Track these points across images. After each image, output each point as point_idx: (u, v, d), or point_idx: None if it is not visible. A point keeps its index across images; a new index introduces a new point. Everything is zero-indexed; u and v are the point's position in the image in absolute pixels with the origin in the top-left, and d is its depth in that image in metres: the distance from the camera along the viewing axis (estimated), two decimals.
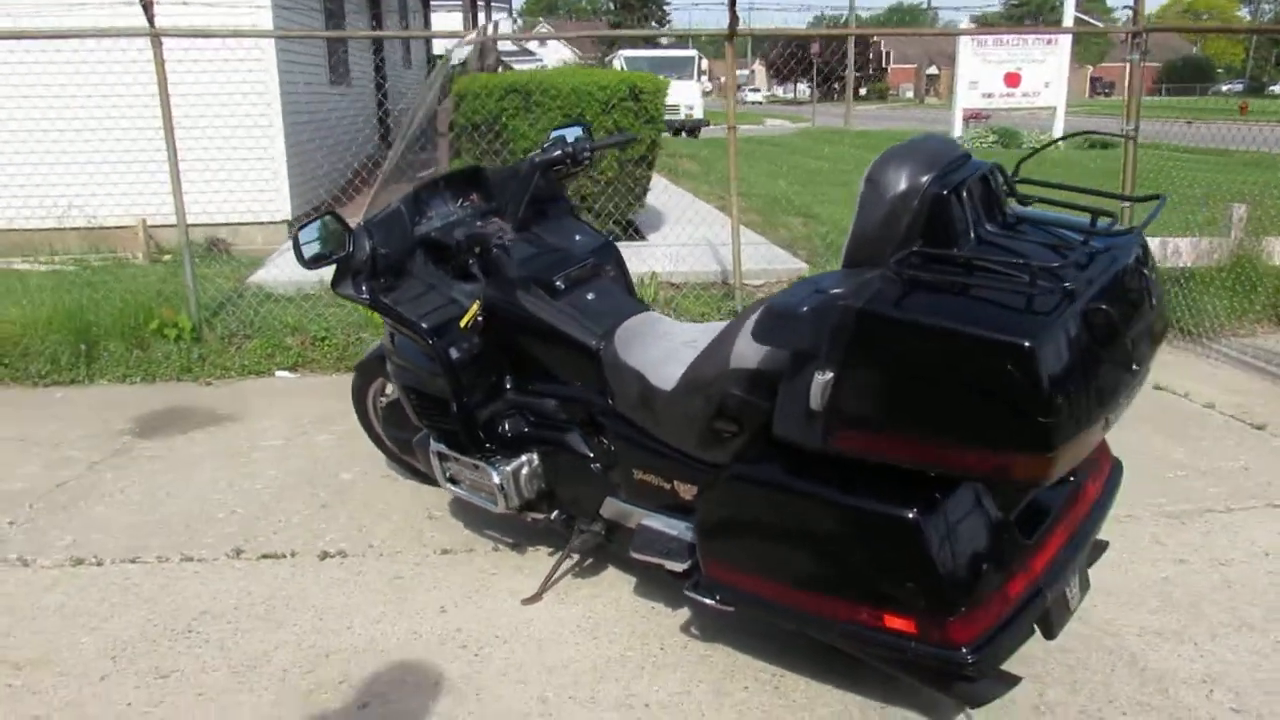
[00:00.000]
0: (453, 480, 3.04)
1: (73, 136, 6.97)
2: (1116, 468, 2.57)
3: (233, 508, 3.60)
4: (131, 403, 4.81)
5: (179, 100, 5.52)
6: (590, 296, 2.86)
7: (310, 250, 2.73)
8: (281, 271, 6.44)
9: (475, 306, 2.77)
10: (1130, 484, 3.62)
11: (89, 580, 3.09)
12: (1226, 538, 3.28)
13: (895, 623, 2.03)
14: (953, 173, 2.04)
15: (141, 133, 5.37)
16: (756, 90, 65.10)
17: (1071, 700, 2.43)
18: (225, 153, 6.74)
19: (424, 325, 2.78)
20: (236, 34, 5.43)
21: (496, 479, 2.83)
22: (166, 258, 7.24)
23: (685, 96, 21.51)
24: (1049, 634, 2.28)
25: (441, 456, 3.01)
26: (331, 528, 3.43)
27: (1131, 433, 4.23)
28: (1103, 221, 2.14)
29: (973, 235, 2.04)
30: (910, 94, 58.07)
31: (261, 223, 7.81)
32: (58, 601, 2.97)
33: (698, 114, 23.29)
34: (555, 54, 39.87)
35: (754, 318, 2.15)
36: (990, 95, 16.90)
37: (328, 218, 2.76)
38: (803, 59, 29.92)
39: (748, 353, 2.23)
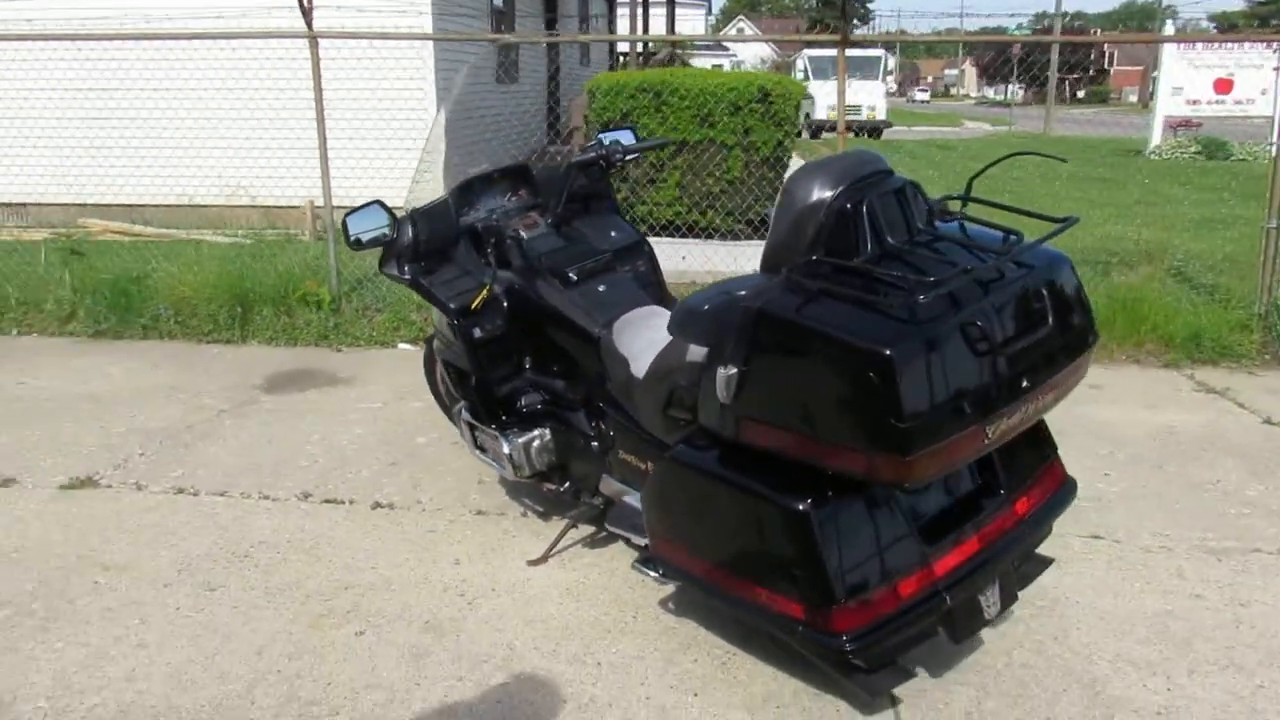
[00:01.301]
0: (480, 448, 3.36)
1: (250, 126, 7.90)
2: (1067, 488, 2.56)
3: (316, 458, 4.09)
4: (270, 362, 5.47)
5: (343, 95, 6.13)
6: (602, 288, 3.09)
7: (358, 234, 3.11)
8: None
9: (484, 291, 3.06)
10: (1179, 515, 3.54)
11: (182, 507, 3.64)
12: (1262, 580, 3.12)
13: (788, 606, 2.16)
14: (865, 188, 2.13)
15: (310, 123, 6.02)
16: (925, 91, 69.89)
17: (1008, 713, 2.45)
18: (382, 143, 7.40)
19: (451, 305, 3.11)
20: (384, 35, 5.99)
21: (506, 449, 3.13)
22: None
23: (868, 97, 21.09)
24: (955, 638, 2.33)
25: (471, 425, 3.33)
26: (391, 483, 3.84)
27: (1211, 465, 4.04)
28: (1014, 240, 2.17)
29: (876, 247, 2.13)
30: (1134, 98, 54.10)
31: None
32: (153, 520, 3.51)
33: (880, 115, 22.80)
34: (754, 51, 39.99)
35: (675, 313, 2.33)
36: (1196, 102, 15.58)
37: (376, 205, 3.13)
38: (1007, 61, 28.63)
39: (696, 347, 2.41)
